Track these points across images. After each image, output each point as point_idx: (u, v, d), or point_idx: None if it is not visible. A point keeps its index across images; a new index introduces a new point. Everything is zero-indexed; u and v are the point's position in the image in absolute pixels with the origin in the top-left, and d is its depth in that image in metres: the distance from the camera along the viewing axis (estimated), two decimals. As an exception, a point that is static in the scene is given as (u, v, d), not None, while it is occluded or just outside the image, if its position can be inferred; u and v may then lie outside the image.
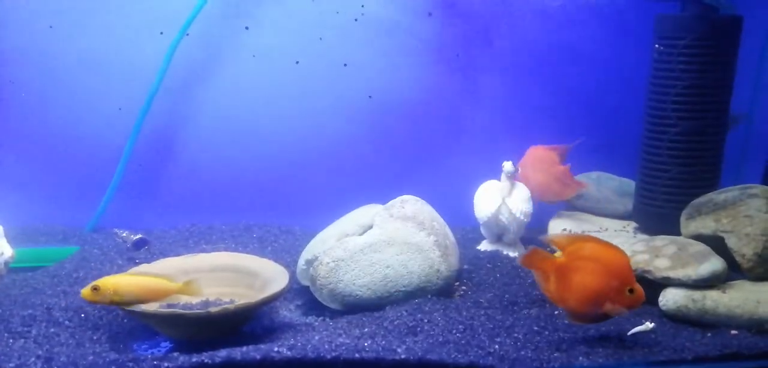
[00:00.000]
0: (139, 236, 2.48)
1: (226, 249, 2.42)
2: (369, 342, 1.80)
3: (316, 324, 2.06)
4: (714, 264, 2.04)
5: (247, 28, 2.61)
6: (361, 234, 2.19)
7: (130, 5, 2.53)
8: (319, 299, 2.14)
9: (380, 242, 2.14)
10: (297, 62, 2.66)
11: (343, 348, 1.70)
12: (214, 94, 2.66)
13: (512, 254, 2.56)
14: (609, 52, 2.80)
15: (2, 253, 1.99)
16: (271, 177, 2.76)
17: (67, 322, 1.93)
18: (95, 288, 1.78)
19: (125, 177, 2.64)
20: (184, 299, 1.92)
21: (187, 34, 2.56)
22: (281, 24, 2.61)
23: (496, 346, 1.82)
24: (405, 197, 2.32)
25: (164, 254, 2.37)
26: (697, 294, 2.01)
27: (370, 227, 2.21)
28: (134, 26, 2.54)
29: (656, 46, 2.36)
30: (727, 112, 2.37)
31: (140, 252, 2.42)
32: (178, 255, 2.28)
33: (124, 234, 2.50)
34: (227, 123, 2.69)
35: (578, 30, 2.77)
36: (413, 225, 2.20)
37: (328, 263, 2.11)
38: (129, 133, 2.59)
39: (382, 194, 2.40)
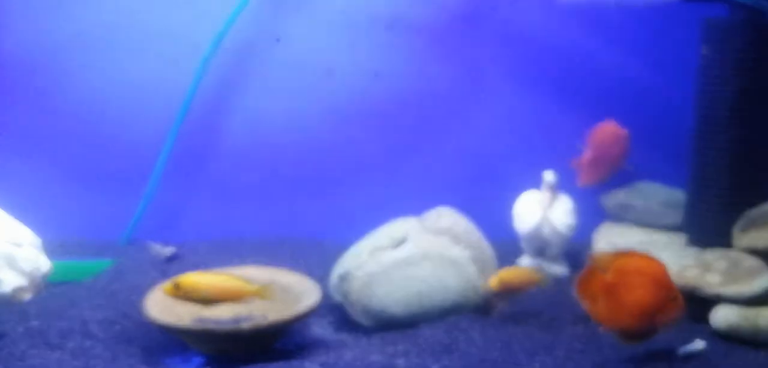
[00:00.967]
0: (171, 249, 2.49)
1: (257, 263, 2.39)
2: (402, 360, 1.76)
3: (349, 341, 2.02)
4: (769, 280, 1.95)
5: (278, 40, 2.62)
6: (394, 248, 2.16)
7: (163, 20, 2.57)
8: (352, 315, 2.11)
9: (415, 256, 2.11)
10: (329, 72, 2.65)
11: (376, 366, 1.68)
12: (247, 106, 2.67)
13: (555, 269, 2.48)
14: (657, 53, 2.72)
15: (40, 267, 2.02)
16: (303, 189, 2.75)
17: (102, 335, 1.94)
18: (176, 286, 1.82)
19: (159, 190, 2.66)
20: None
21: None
22: (312, 35, 2.62)
23: (536, 366, 1.75)
24: (440, 209, 2.28)
25: (197, 267, 2.33)
26: (750, 312, 1.92)
27: (404, 241, 2.18)
28: (167, 41, 2.57)
29: (704, 50, 2.28)
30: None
31: (173, 264, 2.43)
32: (210, 268, 2.25)
33: (158, 248, 2.52)
34: (259, 135, 2.69)
35: (623, 31, 2.70)
36: (448, 239, 2.16)
37: (361, 278, 2.08)
38: (162, 146, 2.62)
39: (417, 206, 2.35)
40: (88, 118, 2.63)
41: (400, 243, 2.17)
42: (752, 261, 2.03)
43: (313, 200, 2.76)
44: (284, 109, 2.67)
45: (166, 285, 1.84)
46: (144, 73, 2.60)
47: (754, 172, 2.26)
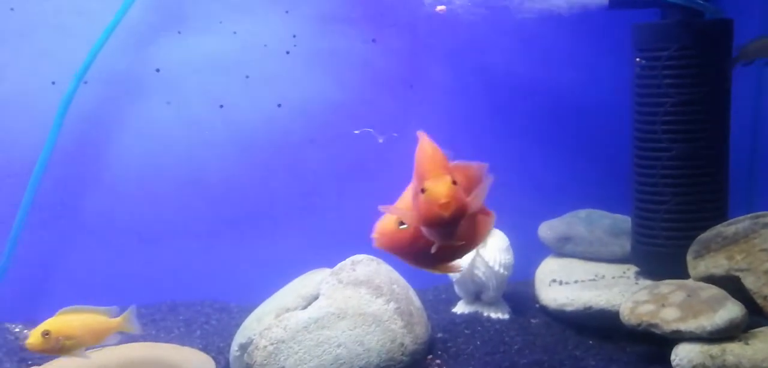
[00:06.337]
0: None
1: (144, 337, 2.10)
2: None
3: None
4: (731, 310, 1.79)
5: (158, 70, 2.32)
6: (304, 308, 1.95)
7: (19, 50, 2.20)
8: (256, 393, 1.83)
9: (328, 315, 1.89)
10: (221, 106, 2.37)
11: None
12: (123, 150, 2.34)
13: (495, 315, 2.25)
14: (586, 71, 2.58)
15: None
16: (199, 244, 2.43)
17: None
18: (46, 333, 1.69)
19: (16, 257, 2.24)
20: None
21: (85, 82, 2.23)
22: (200, 63, 2.34)
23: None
24: (356, 257, 2.09)
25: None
26: (715, 349, 1.75)
27: (316, 297, 1.97)
28: (23, 75, 2.21)
29: (637, 60, 2.14)
30: (727, 129, 2.14)
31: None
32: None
33: (17, 329, 2.18)
34: (140, 183, 2.36)
35: (545, 46, 2.54)
36: (368, 291, 1.95)
37: (265, 346, 1.83)
38: (19, 203, 2.22)
39: (331, 255, 2.12)
40: None
41: (310, 301, 1.96)
42: (711, 291, 1.89)
43: (213, 256, 2.44)
44: (169, 151, 2.35)
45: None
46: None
47: (701, 192, 2.12)
